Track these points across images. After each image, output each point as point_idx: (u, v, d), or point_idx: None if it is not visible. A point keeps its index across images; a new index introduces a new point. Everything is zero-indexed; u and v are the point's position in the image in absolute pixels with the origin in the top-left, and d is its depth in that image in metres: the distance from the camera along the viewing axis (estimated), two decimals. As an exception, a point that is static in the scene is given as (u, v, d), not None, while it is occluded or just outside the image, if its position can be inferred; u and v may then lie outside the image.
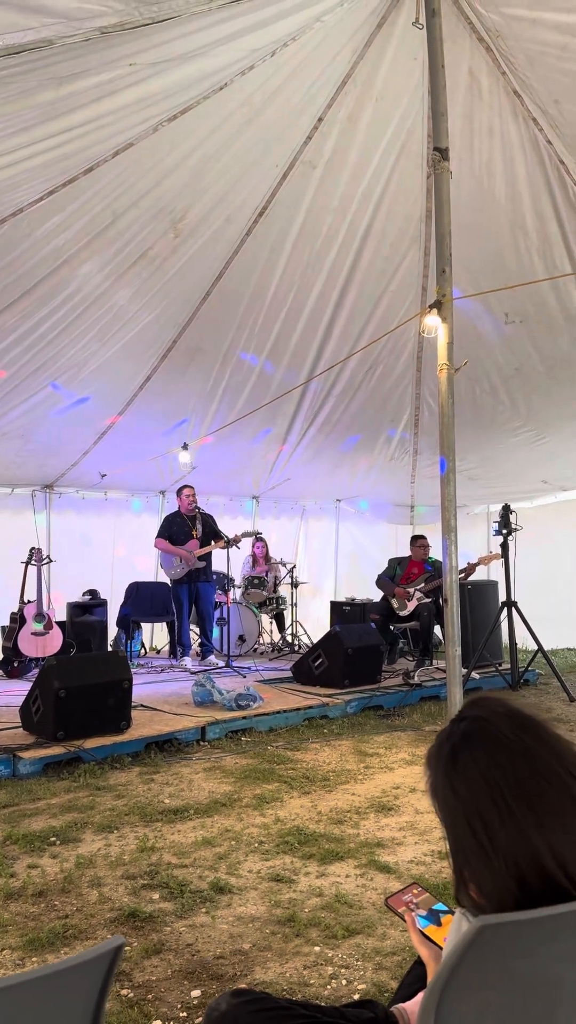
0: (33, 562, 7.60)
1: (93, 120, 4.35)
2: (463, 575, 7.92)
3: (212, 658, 8.29)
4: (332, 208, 5.77)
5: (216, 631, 8.76)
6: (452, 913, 1.38)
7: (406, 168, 5.55)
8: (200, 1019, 2.09)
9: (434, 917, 1.45)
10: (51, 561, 7.90)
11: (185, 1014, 2.20)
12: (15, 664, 7.55)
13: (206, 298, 6.38)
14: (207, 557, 8.19)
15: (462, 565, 7.61)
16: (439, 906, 1.48)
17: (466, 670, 7.07)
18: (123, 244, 5.42)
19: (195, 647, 8.46)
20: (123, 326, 6.29)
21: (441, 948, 1.37)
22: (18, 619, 7.53)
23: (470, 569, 8.04)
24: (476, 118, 5.12)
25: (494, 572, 9.08)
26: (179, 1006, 2.24)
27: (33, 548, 7.66)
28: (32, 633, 7.44)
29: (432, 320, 4.50)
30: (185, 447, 7.98)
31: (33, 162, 4.47)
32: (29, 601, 7.58)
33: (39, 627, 7.46)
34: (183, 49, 4.09)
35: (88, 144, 4.53)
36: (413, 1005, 1.50)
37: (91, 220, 5.13)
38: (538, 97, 4.81)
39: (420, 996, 1.39)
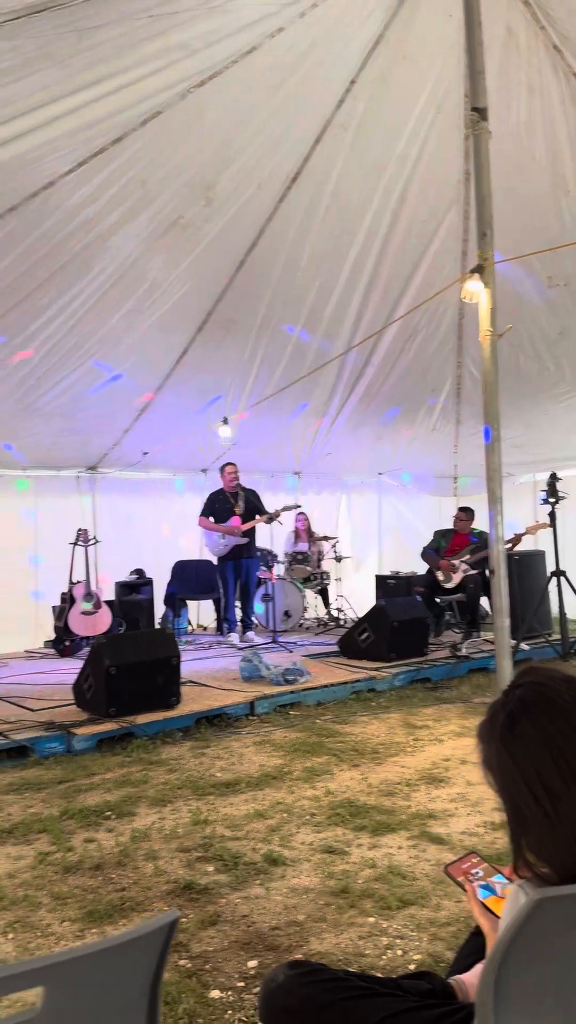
0: (80, 543, 7.70)
1: (120, 73, 4.26)
2: (510, 545, 7.80)
3: (251, 634, 8.33)
4: (367, 172, 5.65)
5: (260, 607, 8.80)
6: (511, 884, 1.37)
7: (444, 129, 5.40)
8: (257, 989, 2.12)
9: (493, 888, 1.43)
10: (97, 542, 7.99)
11: (243, 984, 2.23)
12: (66, 643, 7.70)
13: (240, 267, 6.32)
14: (251, 533, 8.20)
15: (509, 535, 7.50)
16: (498, 876, 1.46)
17: (515, 641, 6.99)
18: (154, 213, 5.38)
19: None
20: (158, 299, 6.25)
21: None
22: (68, 599, 7.66)
23: (517, 539, 7.92)
24: (514, 76, 4.95)
25: (542, 542, 8.92)
26: (236, 976, 2.28)
27: (80, 529, 7.77)
28: (82, 612, 7.56)
29: (474, 285, 4.37)
30: (225, 421, 7.97)
31: (59, 128, 4.43)
32: (78, 581, 7.69)
33: (88, 607, 7.58)
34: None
35: (115, 110, 4.48)
36: (472, 977, 1.49)
37: (120, 190, 5.09)
38: (579, 49, 4.63)
39: (478, 968, 1.38)
